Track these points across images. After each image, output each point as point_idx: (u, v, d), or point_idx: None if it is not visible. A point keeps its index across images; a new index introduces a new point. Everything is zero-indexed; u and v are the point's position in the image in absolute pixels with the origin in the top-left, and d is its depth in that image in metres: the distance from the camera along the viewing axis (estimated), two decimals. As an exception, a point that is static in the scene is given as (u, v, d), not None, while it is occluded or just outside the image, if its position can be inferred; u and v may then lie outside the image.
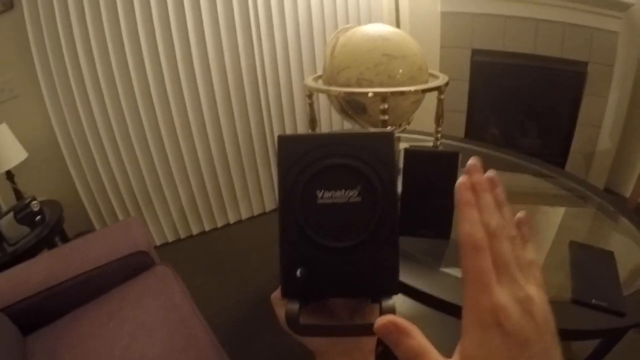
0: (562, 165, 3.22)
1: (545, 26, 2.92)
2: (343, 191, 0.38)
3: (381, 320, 0.33)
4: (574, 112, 3.09)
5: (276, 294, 0.43)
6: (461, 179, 0.36)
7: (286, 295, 0.39)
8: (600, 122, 3.05)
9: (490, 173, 0.37)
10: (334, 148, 0.39)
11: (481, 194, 0.36)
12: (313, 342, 0.44)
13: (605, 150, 3.12)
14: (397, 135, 1.88)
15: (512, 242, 0.34)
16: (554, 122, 3.27)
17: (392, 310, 0.37)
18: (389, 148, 0.39)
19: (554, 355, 0.30)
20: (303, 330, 0.39)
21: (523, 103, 3.29)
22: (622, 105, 3.00)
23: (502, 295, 0.30)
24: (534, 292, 0.31)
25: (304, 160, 0.39)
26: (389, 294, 0.38)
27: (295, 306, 0.38)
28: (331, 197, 0.39)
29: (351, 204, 0.38)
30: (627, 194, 2.87)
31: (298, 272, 0.38)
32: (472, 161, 0.37)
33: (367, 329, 0.37)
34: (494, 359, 0.29)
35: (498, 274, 0.31)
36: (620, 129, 3.07)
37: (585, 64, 2.94)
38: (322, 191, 0.39)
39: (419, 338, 0.32)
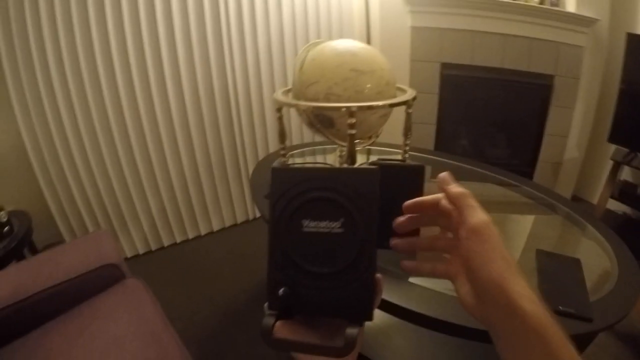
0: (530, 174, 3.30)
1: (513, 41, 3.00)
2: (326, 222, 0.42)
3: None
4: (541, 123, 3.18)
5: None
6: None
7: (272, 309, 0.43)
8: (567, 132, 3.14)
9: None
10: (321, 182, 0.42)
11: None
12: (293, 354, 0.47)
13: (572, 159, 3.21)
14: (367, 147, 1.90)
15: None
16: (522, 133, 3.35)
17: (354, 339, 0.40)
18: (373, 185, 0.42)
19: None
20: (274, 344, 0.41)
21: (492, 115, 3.37)
22: (588, 115, 3.10)
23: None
24: None
25: (293, 191, 0.43)
26: (364, 319, 0.42)
27: (270, 321, 0.41)
28: (315, 226, 0.42)
29: (333, 234, 0.42)
30: (595, 201, 2.94)
31: (280, 291, 0.42)
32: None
33: (333, 351, 0.41)
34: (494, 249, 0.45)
35: None
36: (587, 138, 3.17)
37: (552, 77, 3.04)
38: (308, 220, 0.42)
39: None
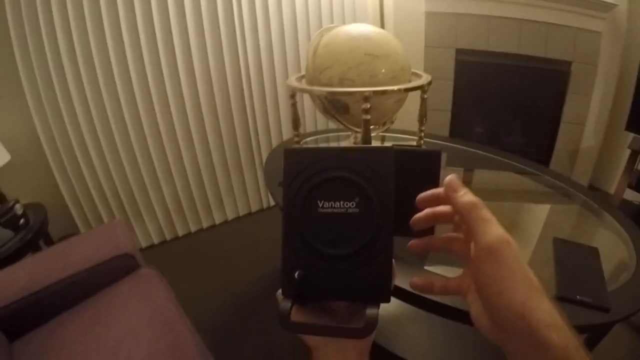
0: (546, 162, 3.26)
1: (529, 26, 2.95)
2: (342, 202, 0.42)
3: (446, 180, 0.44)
4: (558, 110, 3.13)
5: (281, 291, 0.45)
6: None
7: (286, 294, 0.42)
8: (584, 120, 3.10)
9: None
10: (335, 161, 0.42)
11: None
12: (308, 339, 0.46)
13: (589, 147, 3.17)
14: (381, 134, 1.88)
15: None
16: (538, 120, 3.31)
17: (374, 319, 0.40)
18: (388, 164, 0.42)
19: None
20: (292, 328, 0.41)
21: (507, 102, 3.32)
22: (606, 103, 3.05)
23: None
24: None
25: (307, 172, 0.42)
26: (381, 301, 0.41)
27: (287, 305, 0.41)
28: (331, 207, 0.42)
29: (349, 215, 0.41)
30: (612, 191, 2.91)
31: (296, 275, 0.41)
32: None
33: (353, 332, 0.40)
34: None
35: None
36: (604, 126, 3.12)
37: (569, 63, 2.98)
38: (323, 201, 0.42)
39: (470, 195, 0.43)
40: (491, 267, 0.39)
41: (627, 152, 2.66)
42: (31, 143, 2.30)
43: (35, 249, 2.07)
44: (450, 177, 0.44)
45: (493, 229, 0.40)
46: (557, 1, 2.83)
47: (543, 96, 3.19)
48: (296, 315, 0.42)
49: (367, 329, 0.39)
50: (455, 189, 0.43)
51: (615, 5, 2.75)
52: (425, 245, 0.48)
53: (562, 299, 1.14)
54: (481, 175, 2.04)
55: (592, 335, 1.42)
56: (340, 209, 0.41)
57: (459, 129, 3.40)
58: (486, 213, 0.41)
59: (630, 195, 2.80)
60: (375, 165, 0.41)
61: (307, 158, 0.43)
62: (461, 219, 0.43)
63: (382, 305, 0.42)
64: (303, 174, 0.42)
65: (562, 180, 1.88)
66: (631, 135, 2.69)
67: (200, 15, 2.46)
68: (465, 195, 0.42)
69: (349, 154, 0.42)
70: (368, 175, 0.41)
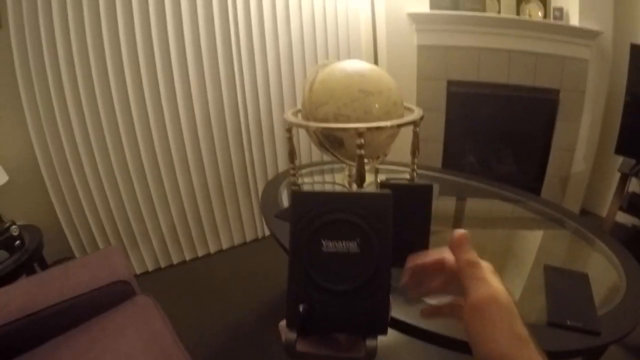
0: (538, 189, 3.29)
1: (518, 56, 3.02)
2: (344, 242, 0.44)
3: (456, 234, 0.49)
4: (548, 137, 3.18)
5: (283, 322, 0.48)
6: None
7: (290, 326, 0.45)
8: (574, 146, 3.14)
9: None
10: (339, 205, 0.45)
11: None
12: None
13: (580, 172, 3.21)
14: (376, 166, 1.92)
15: None
16: (529, 148, 3.35)
17: (374, 350, 0.43)
18: (386, 208, 0.45)
19: None
20: (298, 357, 0.44)
21: (498, 131, 3.37)
22: (595, 128, 3.10)
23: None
24: None
25: (312, 213, 0.45)
26: (379, 334, 0.44)
27: (293, 335, 0.44)
28: (334, 246, 0.45)
29: (351, 254, 0.44)
30: (604, 214, 2.93)
31: (300, 308, 0.44)
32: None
33: None
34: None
35: None
36: (594, 151, 3.16)
37: (557, 91, 3.04)
38: (327, 241, 0.45)
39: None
40: (476, 322, 0.44)
41: (618, 175, 2.69)
42: (29, 165, 2.31)
43: (30, 271, 2.06)
44: (459, 235, 0.49)
45: (483, 288, 0.45)
46: (544, 31, 2.91)
47: (533, 124, 3.25)
48: (301, 345, 0.44)
49: (367, 358, 0.42)
50: (460, 245, 0.48)
51: (600, 32, 2.82)
52: (435, 312, 0.56)
53: (553, 324, 1.16)
54: (473, 204, 2.07)
55: (586, 359, 1.44)
56: (343, 248, 0.44)
57: (451, 159, 3.43)
58: (480, 272, 0.46)
59: (622, 218, 2.83)
60: (375, 209, 0.44)
61: (313, 201, 0.45)
62: (458, 274, 0.47)
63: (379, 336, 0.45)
64: (309, 215, 0.45)
65: (552, 207, 1.92)
66: (621, 158, 2.73)
67: (200, 49, 2.52)
68: (467, 253, 0.47)
69: (351, 198, 0.45)
70: (369, 218, 0.44)
